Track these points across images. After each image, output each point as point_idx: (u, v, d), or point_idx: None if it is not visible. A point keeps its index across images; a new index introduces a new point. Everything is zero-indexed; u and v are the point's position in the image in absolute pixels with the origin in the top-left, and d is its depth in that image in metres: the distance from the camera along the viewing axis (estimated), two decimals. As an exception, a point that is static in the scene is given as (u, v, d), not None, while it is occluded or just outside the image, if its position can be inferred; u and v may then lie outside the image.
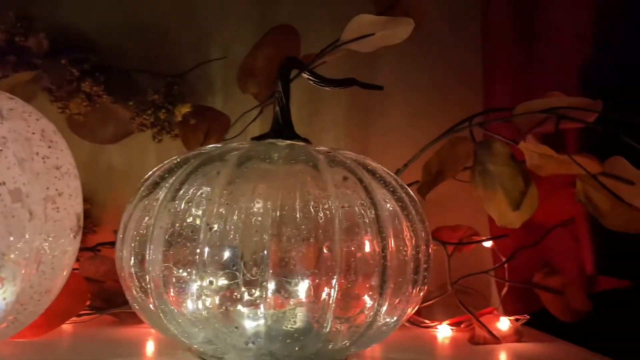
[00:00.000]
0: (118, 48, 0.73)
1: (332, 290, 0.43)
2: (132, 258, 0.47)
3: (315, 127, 0.80)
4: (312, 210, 0.45)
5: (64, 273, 0.48)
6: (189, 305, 0.44)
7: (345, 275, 0.44)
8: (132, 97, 0.69)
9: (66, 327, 0.62)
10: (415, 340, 0.66)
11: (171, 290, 0.45)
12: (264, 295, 0.42)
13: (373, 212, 0.47)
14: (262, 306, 0.42)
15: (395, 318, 0.49)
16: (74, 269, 0.64)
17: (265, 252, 0.42)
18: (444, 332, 0.69)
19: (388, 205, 0.49)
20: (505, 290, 0.70)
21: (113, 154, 0.76)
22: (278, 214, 0.44)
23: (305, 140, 0.53)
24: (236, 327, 0.44)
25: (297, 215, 0.44)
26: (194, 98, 0.73)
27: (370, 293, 0.45)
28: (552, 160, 0.53)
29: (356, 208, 0.46)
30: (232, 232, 0.44)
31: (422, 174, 0.60)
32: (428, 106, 0.81)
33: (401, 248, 0.48)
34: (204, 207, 0.45)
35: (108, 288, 0.63)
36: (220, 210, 0.44)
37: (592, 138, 0.61)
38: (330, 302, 0.43)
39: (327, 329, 0.44)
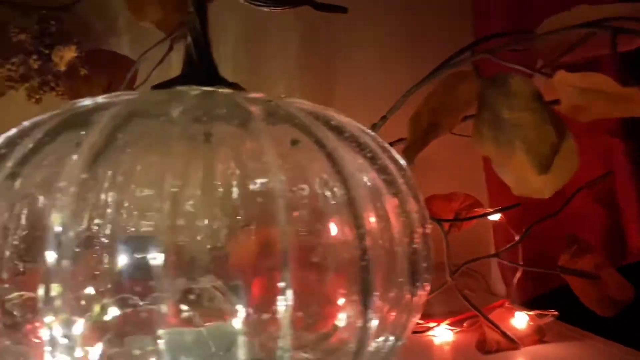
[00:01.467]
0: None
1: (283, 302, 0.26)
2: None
3: (259, 75, 0.62)
4: (238, 196, 0.26)
5: None
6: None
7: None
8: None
9: None
10: (405, 351, 0.50)
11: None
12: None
13: (343, 191, 0.29)
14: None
15: (393, 337, 0.32)
16: None
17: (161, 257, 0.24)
18: (442, 335, 0.52)
19: (365, 178, 0.32)
20: (518, 275, 0.54)
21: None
22: (178, 200, 0.26)
23: (236, 86, 0.34)
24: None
25: (210, 202, 0.26)
26: (87, 39, 0.53)
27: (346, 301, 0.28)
28: (604, 98, 0.35)
29: (315, 188, 0.28)
30: (98, 238, 0.26)
31: (410, 129, 0.42)
32: (405, 43, 0.64)
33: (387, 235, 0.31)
34: (54, 201, 0.26)
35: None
36: (78, 204, 0.26)
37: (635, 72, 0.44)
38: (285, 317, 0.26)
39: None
